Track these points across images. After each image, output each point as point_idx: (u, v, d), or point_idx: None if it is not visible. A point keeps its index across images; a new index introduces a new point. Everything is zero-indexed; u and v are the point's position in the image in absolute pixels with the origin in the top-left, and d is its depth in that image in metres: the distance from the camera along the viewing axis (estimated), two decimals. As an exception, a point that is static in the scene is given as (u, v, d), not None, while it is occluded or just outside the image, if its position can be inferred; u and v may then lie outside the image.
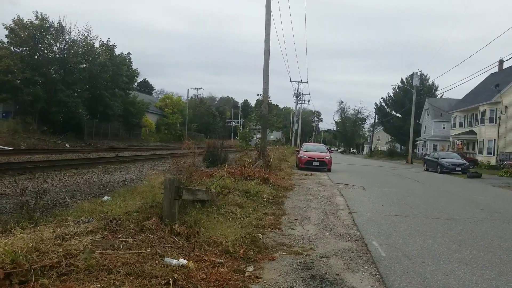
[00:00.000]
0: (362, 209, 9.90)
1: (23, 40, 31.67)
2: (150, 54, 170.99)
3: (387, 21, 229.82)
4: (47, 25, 32.69)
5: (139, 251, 4.32)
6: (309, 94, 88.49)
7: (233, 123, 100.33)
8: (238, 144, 22.02)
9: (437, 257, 5.79)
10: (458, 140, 49.14)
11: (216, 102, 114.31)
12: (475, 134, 43.97)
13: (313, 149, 25.74)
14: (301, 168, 22.91)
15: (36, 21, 32.24)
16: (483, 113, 41.53)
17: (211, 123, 79.48)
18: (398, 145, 78.31)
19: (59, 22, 33.61)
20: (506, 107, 38.55)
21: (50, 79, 33.00)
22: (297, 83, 60.02)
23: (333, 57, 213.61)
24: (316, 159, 23.07)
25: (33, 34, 31.94)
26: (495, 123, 39.44)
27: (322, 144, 35.91)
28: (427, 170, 31.57)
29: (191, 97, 78.37)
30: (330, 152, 26.12)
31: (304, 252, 5.70)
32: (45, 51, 33.49)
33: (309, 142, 50.08)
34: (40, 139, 28.89)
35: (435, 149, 52.79)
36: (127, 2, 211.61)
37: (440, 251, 6.11)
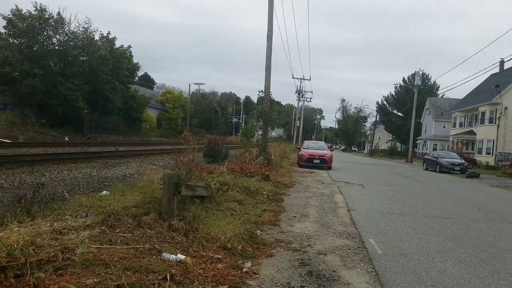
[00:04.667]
0: (361, 207, 9.93)
1: (21, 31, 31.30)
2: (152, 48, 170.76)
3: (390, 19, 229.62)
4: (47, 16, 32.27)
5: (137, 246, 4.34)
6: (311, 92, 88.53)
7: (235, 119, 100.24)
8: (239, 141, 22.03)
9: (432, 255, 5.83)
10: (458, 140, 49.15)
11: (218, 98, 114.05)
12: (475, 134, 44.00)
13: (314, 147, 25.75)
14: (301, 166, 22.94)
15: (35, 12, 31.89)
16: (483, 114, 41.55)
17: (212, 119, 79.33)
18: (398, 144, 78.37)
19: (59, 13, 33.26)
20: (506, 108, 38.56)
21: (49, 71, 32.80)
22: (300, 80, 59.83)
23: (336, 55, 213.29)
24: (317, 157, 23.10)
25: (32, 25, 31.55)
26: (495, 123, 39.47)
27: (323, 142, 35.92)
28: (426, 169, 31.61)
29: (193, 92, 78.18)
30: (331, 150, 26.14)
31: (302, 249, 5.73)
32: (44, 43, 33.15)
33: (310, 140, 50.04)
34: (38, 132, 28.81)
35: (435, 149, 52.85)
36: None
37: (436, 249, 6.15)
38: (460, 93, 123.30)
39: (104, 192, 7.36)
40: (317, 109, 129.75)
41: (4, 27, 31.05)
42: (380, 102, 79.51)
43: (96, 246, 4.07)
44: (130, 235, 4.66)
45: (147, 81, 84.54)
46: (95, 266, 3.68)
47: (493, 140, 39.53)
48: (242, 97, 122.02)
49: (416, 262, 5.43)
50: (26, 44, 32.31)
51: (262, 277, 4.46)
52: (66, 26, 34.08)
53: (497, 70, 44.93)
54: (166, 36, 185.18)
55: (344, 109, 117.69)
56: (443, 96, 66.43)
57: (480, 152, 41.76)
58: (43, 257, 3.61)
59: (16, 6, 31.59)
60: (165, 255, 4.28)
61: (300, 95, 63.75)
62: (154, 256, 4.23)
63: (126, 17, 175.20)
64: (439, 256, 5.80)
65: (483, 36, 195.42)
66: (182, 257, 4.30)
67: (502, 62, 42.28)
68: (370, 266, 5.17)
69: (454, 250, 6.22)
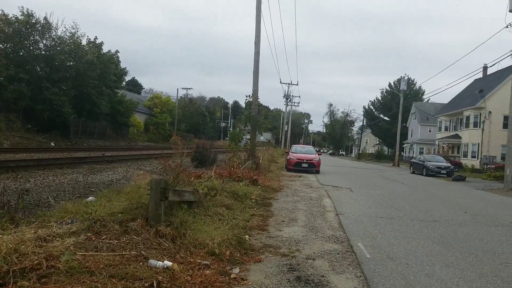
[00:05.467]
0: (349, 211, 9.96)
1: (7, 36, 30.94)
2: (139, 53, 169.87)
3: (377, 24, 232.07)
4: (33, 21, 32.06)
5: (123, 253, 4.28)
6: (299, 96, 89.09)
7: (223, 124, 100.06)
8: (227, 145, 21.98)
9: (420, 258, 5.85)
10: (444, 143, 49.77)
11: (206, 102, 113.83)
12: (460, 138, 44.64)
13: (302, 151, 25.85)
14: (290, 170, 22.98)
15: (22, 17, 31.62)
16: (468, 118, 42.21)
17: (200, 124, 79.05)
18: (385, 148, 79.07)
19: (45, 18, 33.05)
20: (490, 112, 39.23)
21: (36, 76, 32.42)
22: (287, 85, 60.08)
23: (323, 59, 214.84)
24: (305, 161, 23.17)
25: (19, 30, 31.27)
26: (479, 127, 40.12)
27: (311, 146, 36.05)
28: (413, 172, 31.93)
29: (181, 96, 77.78)
30: (319, 154, 26.25)
31: (291, 254, 5.71)
32: (31, 48, 32.85)
33: (298, 144, 50.19)
34: (24, 138, 28.38)
35: (421, 152, 53.46)
36: None
37: (424, 253, 6.17)
38: (445, 98, 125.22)
39: (90, 198, 7.25)
40: (305, 113, 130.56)
41: (-10, 32, 30.64)
42: (367, 107, 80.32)
43: (81, 253, 4.00)
44: (116, 241, 4.58)
45: (134, 86, 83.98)
46: (80, 274, 3.61)
47: (478, 143, 40.14)
48: (230, 102, 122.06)
49: (404, 266, 5.45)
50: (12, 49, 31.94)
51: (250, 283, 4.43)
52: (53, 31, 33.87)
53: (480, 75, 45.68)
54: (153, 40, 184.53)
55: (331, 113, 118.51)
56: (428, 100, 67.28)
57: (465, 156, 42.36)
58: (27, 265, 3.53)
59: (2, 11, 31.28)
60: (152, 261, 4.23)
61: (288, 100, 64.10)
62: (141, 263, 4.17)
63: (114, 22, 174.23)
64: (427, 259, 5.83)
65: (468, 41, 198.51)
66: (169, 263, 4.25)
67: (485, 68, 43.04)
68: (359, 270, 5.16)
69: (441, 253, 6.25)
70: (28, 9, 32.24)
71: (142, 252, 4.44)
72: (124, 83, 54.03)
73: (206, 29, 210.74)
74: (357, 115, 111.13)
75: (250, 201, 9.76)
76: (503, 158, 34.06)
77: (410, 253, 6.12)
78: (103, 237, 4.63)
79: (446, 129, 51.27)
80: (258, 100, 20.25)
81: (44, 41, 33.64)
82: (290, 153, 25.35)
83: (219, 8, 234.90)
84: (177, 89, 70.43)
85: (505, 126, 38.41)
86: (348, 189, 15.27)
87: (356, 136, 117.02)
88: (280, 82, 75.41)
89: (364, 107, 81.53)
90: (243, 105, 28.26)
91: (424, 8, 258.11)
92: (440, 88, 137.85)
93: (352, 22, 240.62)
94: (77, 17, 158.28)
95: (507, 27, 20.95)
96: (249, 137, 21.28)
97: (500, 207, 13.02)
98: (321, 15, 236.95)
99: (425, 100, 67.72)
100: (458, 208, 11.86)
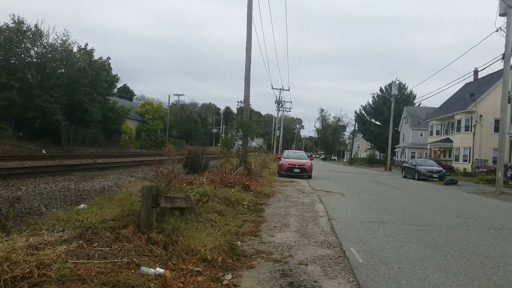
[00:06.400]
0: (341, 215, 9.99)
1: (-2, 43, 30.95)
2: (131, 60, 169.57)
3: (369, 29, 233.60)
4: (24, 28, 32.03)
5: (115, 260, 4.26)
6: (291, 102, 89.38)
7: (215, 130, 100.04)
8: (219, 151, 21.99)
9: (413, 263, 5.88)
10: (435, 147, 50.15)
11: (197, 109, 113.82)
12: (451, 142, 45.02)
13: (294, 156, 25.92)
14: (282, 175, 23.01)
15: (13, 25, 31.55)
16: (459, 122, 42.59)
17: (192, 130, 79.05)
18: (377, 152, 79.44)
19: (36, 26, 33.00)
20: (481, 115, 39.64)
21: (27, 84, 32.27)
22: (279, 90, 60.40)
23: (314, 64, 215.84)
24: (297, 166, 23.23)
25: (10, 37, 31.21)
26: (471, 131, 40.48)
27: (303, 151, 36.14)
28: (405, 177, 32.08)
29: (173, 103, 77.92)
30: (311, 159, 26.34)
31: (283, 260, 5.71)
32: (22, 55, 32.79)
33: (290, 149, 50.33)
34: (15, 145, 28.17)
35: (413, 157, 53.75)
36: (101, 5, 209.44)
37: (416, 257, 6.20)
38: (436, 102, 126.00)
39: (82, 205, 7.21)
40: (297, 118, 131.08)
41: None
42: (358, 112, 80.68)
43: (73, 261, 3.97)
44: (108, 249, 4.56)
45: (126, 92, 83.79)
46: (72, 282, 3.59)
47: (470, 147, 40.50)
48: (222, 108, 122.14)
49: (397, 270, 5.47)
50: (3, 57, 31.82)
51: (243, 289, 4.43)
52: (44, 38, 33.85)
53: (471, 79, 46.17)
54: (145, 47, 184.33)
55: (323, 118, 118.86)
56: (419, 105, 67.87)
57: (457, 159, 42.70)
58: (18, 273, 3.50)
59: (-6, 19, 31.16)
60: (144, 269, 4.21)
61: (280, 105, 64.33)
62: (133, 270, 4.15)
63: (104, 29, 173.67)
64: (419, 263, 5.86)
65: (458, 46, 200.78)
66: (161, 270, 4.24)
67: (476, 72, 43.42)
68: (351, 275, 5.18)
69: (434, 257, 6.28)
70: (19, 16, 32.25)
71: (134, 259, 4.42)
72: (115, 90, 53.95)
73: (197, 35, 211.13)
74: (349, 120, 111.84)
75: (242, 207, 9.76)
76: (494, 161, 34.36)
77: (402, 257, 6.15)
78: (94, 245, 4.61)
79: (437, 133, 51.70)
80: (250, 105, 20.35)
81: (36, 49, 33.60)
82: (282, 158, 25.40)
83: (210, 15, 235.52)
84: (169, 95, 70.84)
85: (496, 129, 38.90)
86: (340, 194, 15.32)
87: (348, 141, 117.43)
88: (272, 88, 76.01)
89: (355, 112, 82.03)
90: (235, 111, 28.31)
91: (415, 12, 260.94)
92: (431, 92, 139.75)
93: (342, 27, 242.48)
94: (68, 24, 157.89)
95: (497, 31, 21.20)
96: (241, 143, 21.32)
97: (492, 210, 13.13)
98: (310, 20, 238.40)
99: (417, 104, 68.27)
100: (450, 212, 11.94)
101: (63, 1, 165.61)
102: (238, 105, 21.09)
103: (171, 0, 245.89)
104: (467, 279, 5.23)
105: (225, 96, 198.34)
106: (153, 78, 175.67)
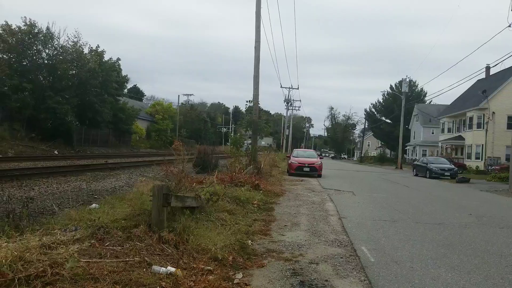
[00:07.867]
0: (352, 214, 9.93)
1: (11, 46, 31.28)
2: (141, 60, 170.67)
3: (378, 26, 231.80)
4: (36, 30, 32.39)
5: (127, 259, 4.29)
6: (300, 100, 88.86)
7: (224, 129, 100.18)
8: (229, 150, 22.03)
9: (425, 262, 5.82)
10: (447, 145, 49.67)
11: (207, 108, 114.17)
12: (463, 139, 44.49)
13: (303, 155, 25.86)
14: (291, 174, 22.97)
15: (25, 27, 31.93)
16: (471, 119, 42.08)
17: (202, 129, 79.22)
18: (388, 151, 78.89)
19: (48, 28, 33.36)
20: (493, 112, 39.10)
21: (39, 85, 32.66)
22: (288, 89, 60.15)
23: (324, 63, 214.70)
24: (306, 165, 23.17)
25: (22, 40, 31.62)
26: (483, 128, 39.97)
27: (313, 150, 36.10)
28: (416, 175, 31.83)
29: (182, 103, 78.01)
30: (320, 158, 26.25)
31: (294, 259, 5.70)
32: (34, 57, 33.16)
33: (300, 148, 50.20)
34: (28, 146, 28.52)
35: (424, 155, 53.35)
36: (111, 7, 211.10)
37: (428, 256, 6.15)
38: (447, 99, 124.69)
39: (94, 205, 7.27)
40: (306, 117, 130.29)
41: (-6, 43, 30.96)
42: (368, 110, 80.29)
43: (85, 260, 4.01)
44: (119, 248, 4.60)
45: (136, 93, 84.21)
46: (85, 281, 3.62)
47: (482, 145, 39.99)
48: (231, 107, 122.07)
49: (409, 269, 5.42)
50: (15, 59, 32.22)
51: (254, 288, 4.43)
52: (55, 40, 34.20)
53: (483, 76, 45.63)
54: (154, 48, 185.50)
55: (332, 117, 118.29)
56: (430, 102, 67.27)
57: (469, 157, 42.19)
58: (32, 272, 3.54)
59: (6, 22, 31.66)
60: (155, 267, 4.23)
61: (289, 104, 64.11)
62: (144, 269, 4.18)
63: (115, 30, 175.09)
64: (432, 262, 5.80)
65: (470, 42, 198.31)
66: (173, 269, 4.26)
67: (488, 68, 42.94)
68: (363, 274, 5.14)
69: (447, 256, 6.22)
70: (30, 19, 32.62)
71: (146, 258, 4.45)
72: (125, 90, 54.23)
73: (205, 35, 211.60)
74: (359, 118, 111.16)
75: (252, 206, 9.76)
76: (507, 159, 33.97)
77: (414, 256, 6.10)
78: (106, 244, 4.65)
79: (449, 130, 51.18)
80: (259, 105, 20.30)
81: (47, 50, 33.94)
82: (291, 157, 25.36)
83: (218, 15, 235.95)
84: (178, 95, 70.89)
85: (509, 126, 38.51)
86: (350, 192, 15.25)
87: (358, 139, 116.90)
88: (281, 87, 75.04)
89: (365, 110, 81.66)
90: (244, 110, 28.34)
91: (426, 9, 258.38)
92: (443, 89, 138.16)
93: (352, 25, 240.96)
94: (78, 26, 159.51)
95: (509, 26, 20.88)
96: (250, 142, 21.30)
97: (506, 208, 12.97)
98: (320, 18, 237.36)
99: (427, 101, 67.71)
100: (462, 210, 11.82)
101: (73, 2, 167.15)
102: (247, 104, 21.09)
103: (178, 1, 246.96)
104: (480, 278, 5.17)
105: (234, 95, 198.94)
106: (162, 79, 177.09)
